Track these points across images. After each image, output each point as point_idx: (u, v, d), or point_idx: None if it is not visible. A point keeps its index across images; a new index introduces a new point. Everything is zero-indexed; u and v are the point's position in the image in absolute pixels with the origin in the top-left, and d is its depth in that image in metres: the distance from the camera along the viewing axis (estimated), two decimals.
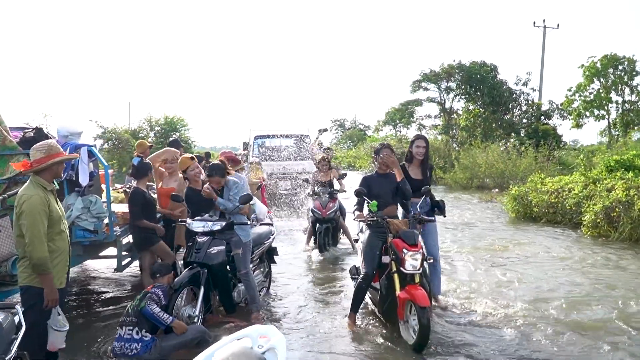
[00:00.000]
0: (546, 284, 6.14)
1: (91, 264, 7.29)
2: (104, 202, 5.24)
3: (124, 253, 5.68)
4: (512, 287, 6.03)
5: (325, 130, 9.81)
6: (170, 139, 18.15)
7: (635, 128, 25.48)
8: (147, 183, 5.62)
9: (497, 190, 17.95)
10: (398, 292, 4.32)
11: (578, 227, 9.83)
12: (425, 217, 4.87)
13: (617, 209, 8.88)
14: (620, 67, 26.70)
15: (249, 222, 5.10)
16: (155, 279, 4.38)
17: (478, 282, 6.25)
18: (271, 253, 6.00)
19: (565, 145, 26.55)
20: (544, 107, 28.56)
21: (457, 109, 30.72)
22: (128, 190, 6.33)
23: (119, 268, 5.59)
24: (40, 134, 5.01)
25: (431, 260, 4.92)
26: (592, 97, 27.80)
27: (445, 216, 5.40)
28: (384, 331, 4.62)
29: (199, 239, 4.75)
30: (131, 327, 3.90)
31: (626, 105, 27.07)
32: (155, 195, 5.89)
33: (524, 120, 28.31)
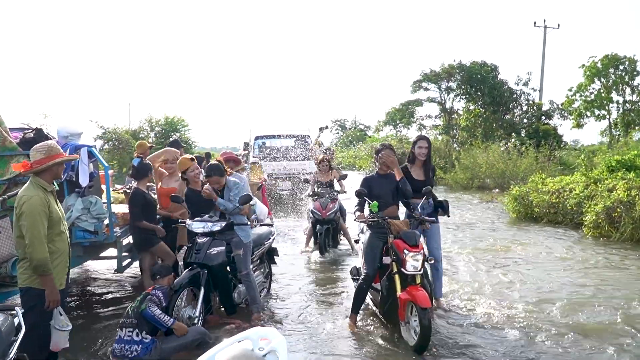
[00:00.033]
0: (548, 285, 6.12)
1: (91, 265, 7.28)
2: (104, 202, 5.23)
3: (124, 254, 5.67)
4: (514, 288, 6.01)
5: (326, 127, 9.77)
6: (171, 139, 18.13)
7: (636, 128, 25.47)
8: (148, 184, 5.61)
9: (497, 190, 17.94)
10: (399, 293, 4.31)
11: (579, 228, 9.81)
12: (427, 218, 4.85)
13: (618, 209, 8.86)
14: (621, 67, 26.71)
15: (248, 223, 5.08)
16: (155, 280, 4.36)
17: (480, 283, 6.23)
18: (271, 254, 5.98)
19: (565, 146, 26.55)
20: (545, 107, 28.58)
21: (458, 109, 30.77)
22: (128, 191, 6.32)
23: (119, 269, 5.58)
24: (40, 135, 5.00)
25: (432, 261, 4.91)
26: (592, 97, 27.80)
27: (449, 216, 5.40)
28: (385, 332, 4.60)
29: (198, 240, 4.74)
30: (131, 329, 3.88)
31: (627, 105, 27.08)
32: (155, 196, 5.88)
33: (525, 120, 28.32)
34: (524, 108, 28.60)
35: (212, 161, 5.45)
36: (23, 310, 3.02)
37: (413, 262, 4.30)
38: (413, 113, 35.18)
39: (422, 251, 4.38)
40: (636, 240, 8.51)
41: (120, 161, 20.89)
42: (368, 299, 5.05)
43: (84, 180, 5.04)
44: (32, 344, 3.14)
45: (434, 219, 5.01)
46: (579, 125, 28.53)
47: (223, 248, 4.74)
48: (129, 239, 5.75)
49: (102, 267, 7.21)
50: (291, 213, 12.36)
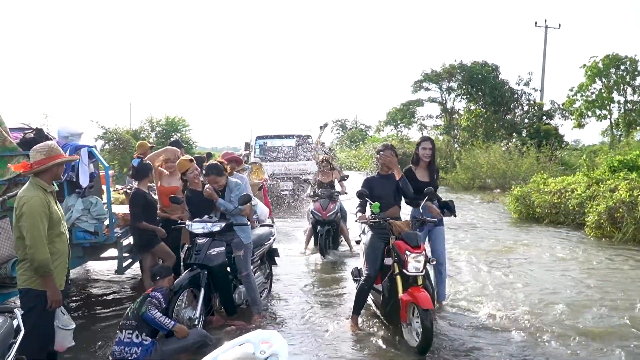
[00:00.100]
0: (551, 286, 6.08)
1: (92, 265, 7.26)
2: (104, 203, 5.21)
3: (124, 254, 5.65)
4: (516, 289, 5.98)
5: (326, 125, 9.65)
6: (172, 139, 18.09)
7: (638, 128, 25.43)
8: (148, 184, 5.59)
9: (498, 190, 17.91)
10: (401, 294, 4.28)
11: (581, 228, 9.78)
12: (428, 219, 4.82)
13: (620, 210, 8.83)
14: (622, 67, 26.67)
15: (249, 223, 5.05)
16: (155, 281, 4.34)
17: (482, 283, 6.20)
18: (272, 254, 5.96)
19: (567, 146, 26.51)
20: (546, 107, 28.53)
21: (459, 109, 30.73)
22: (129, 191, 6.30)
23: (120, 270, 5.57)
24: (40, 135, 4.98)
25: (434, 262, 4.89)
26: (594, 97, 27.76)
27: (455, 215, 5.37)
28: (387, 334, 4.58)
29: (198, 241, 4.71)
30: (131, 331, 3.86)
31: (628, 105, 27.03)
32: (156, 196, 5.86)
33: (526, 121, 28.28)
34: (525, 108, 28.56)
35: (212, 161, 5.43)
36: (22, 312, 3.01)
37: (415, 263, 4.27)
38: (414, 113, 35.14)
39: (423, 252, 4.35)
40: (638, 241, 8.48)
41: (121, 161, 20.86)
42: (369, 300, 5.02)
43: (84, 181, 5.02)
44: (31, 345, 3.13)
45: (435, 219, 4.99)
46: (580, 125, 28.49)
47: (223, 249, 4.72)
48: (129, 240, 5.73)
49: (102, 267, 7.19)
50: (292, 213, 12.33)
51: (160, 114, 26.87)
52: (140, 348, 3.80)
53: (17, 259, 3.46)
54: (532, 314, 5.07)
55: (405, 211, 5.20)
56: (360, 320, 4.78)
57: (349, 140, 49.57)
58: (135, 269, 6.67)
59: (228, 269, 4.89)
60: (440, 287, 5.26)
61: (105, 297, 6.06)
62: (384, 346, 4.34)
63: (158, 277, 4.31)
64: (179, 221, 5.23)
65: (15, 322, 2.80)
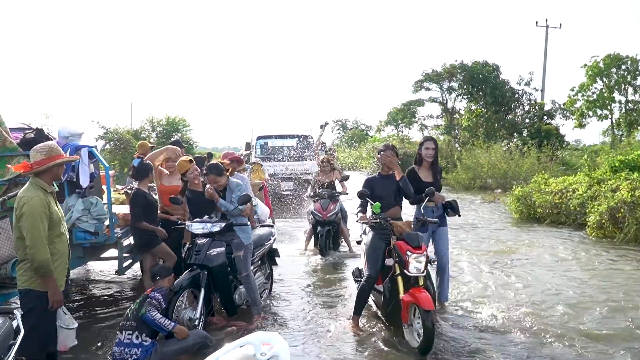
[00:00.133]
0: (553, 287, 6.05)
1: (92, 266, 7.25)
2: (104, 203, 5.19)
3: (125, 255, 5.64)
4: (518, 289, 5.95)
5: (327, 124, 9.56)
6: (172, 139, 18.06)
7: (639, 128, 25.38)
8: (149, 184, 5.57)
9: (499, 190, 17.89)
10: (402, 295, 4.27)
11: (582, 228, 9.76)
12: (430, 220, 4.81)
13: (622, 210, 8.80)
14: (623, 67, 26.64)
15: (249, 223, 5.03)
16: (155, 281, 4.32)
17: (483, 284, 6.18)
18: (272, 255, 5.94)
19: (567, 145, 26.48)
20: (547, 107, 28.50)
21: (459, 109, 30.69)
22: (129, 191, 6.28)
23: (120, 270, 5.55)
24: (40, 135, 4.97)
25: (435, 263, 4.87)
26: (595, 96, 27.73)
27: (460, 215, 5.36)
28: (388, 334, 4.56)
29: (198, 241, 4.70)
30: (131, 332, 3.84)
31: (629, 104, 26.99)
32: (156, 196, 5.84)
33: (527, 120, 28.25)
34: (526, 108, 28.54)
35: (213, 161, 5.42)
36: (22, 313, 3.00)
37: (416, 264, 4.26)
38: (415, 113, 35.10)
39: (425, 253, 4.34)
40: None
41: (122, 161, 20.88)
42: (370, 300, 5.01)
43: (84, 181, 5.01)
44: (31, 345, 3.12)
45: (437, 220, 4.97)
46: (581, 125, 28.46)
47: (223, 249, 4.70)
48: (129, 240, 5.72)
49: (102, 267, 7.18)
50: (293, 214, 12.31)
51: (161, 114, 26.95)
52: (140, 349, 3.78)
53: (17, 260, 3.45)
54: (534, 315, 5.05)
55: (406, 211, 5.18)
56: (361, 321, 4.77)
57: (350, 140, 49.54)
58: (136, 269, 6.66)
59: (228, 269, 4.88)
60: (443, 288, 5.25)
61: (105, 297, 6.05)
62: (385, 347, 4.32)
63: (158, 277, 4.30)
64: (179, 222, 5.22)
65: (14, 323, 2.79)
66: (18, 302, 3.64)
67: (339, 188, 8.23)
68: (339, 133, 55.70)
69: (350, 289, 5.86)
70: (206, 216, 4.87)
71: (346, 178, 8.45)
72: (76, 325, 3.45)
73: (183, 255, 5.17)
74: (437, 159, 5.26)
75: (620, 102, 27.39)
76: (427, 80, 29.97)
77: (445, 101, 31.00)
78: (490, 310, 5.19)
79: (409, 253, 4.27)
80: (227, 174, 5.12)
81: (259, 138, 15.38)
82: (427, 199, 4.91)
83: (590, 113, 28.11)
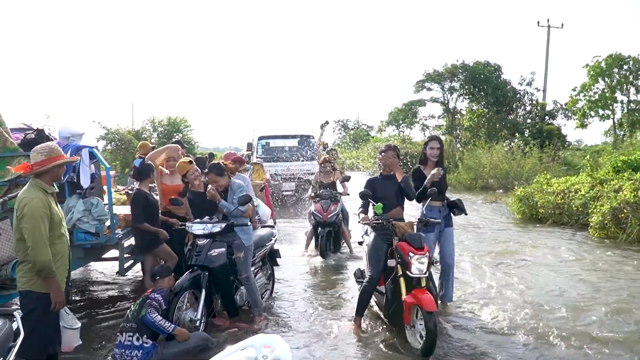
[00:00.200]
0: (557, 288, 6.02)
1: (93, 266, 7.24)
2: (105, 204, 5.18)
3: (126, 255, 5.62)
4: (521, 290, 5.92)
5: (327, 123, 9.46)
6: (173, 139, 18.05)
7: None
8: (150, 184, 5.55)
9: (501, 190, 17.85)
10: (404, 296, 4.24)
11: (585, 229, 9.71)
12: (432, 220, 4.78)
13: (625, 210, 8.77)
14: (625, 67, 26.54)
15: (249, 224, 5.00)
16: (155, 282, 4.29)
17: (486, 285, 6.16)
18: (273, 255, 5.92)
19: (569, 146, 26.41)
20: (548, 107, 28.42)
21: (461, 109, 30.60)
22: (130, 192, 6.27)
23: (121, 271, 5.54)
24: (41, 136, 4.96)
25: (437, 264, 4.84)
26: (596, 96, 27.65)
27: (466, 214, 5.35)
28: (390, 336, 4.53)
29: (199, 242, 4.68)
30: (131, 334, 3.83)
31: (631, 105, 26.91)
32: (157, 197, 5.82)
33: (528, 121, 28.17)
34: (528, 108, 28.46)
35: (214, 162, 5.40)
36: (22, 314, 2.98)
37: (418, 265, 4.23)
38: (416, 113, 35.02)
39: (427, 254, 4.31)
40: None
41: (123, 162, 20.89)
42: (372, 301, 4.99)
43: (85, 182, 5.00)
44: (31, 346, 3.12)
45: (439, 220, 4.95)
46: (582, 126, 28.38)
47: (224, 249, 4.68)
48: (131, 241, 5.70)
49: (103, 268, 7.16)
50: (295, 214, 12.28)
51: (162, 114, 26.94)
52: (141, 351, 3.76)
53: (18, 261, 3.44)
54: (538, 316, 5.01)
55: (408, 212, 5.15)
56: (363, 322, 4.74)
57: (351, 140, 49.52)
58: (137, 270, 6.64)
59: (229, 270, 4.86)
60: (448, 289, 5.22)
61: (106, 298, 6.03)
62: (387, 349, 4.29)
63: (158, 277, 4.27)
64: (179, 223, 5.20)
65: (14, 325, 2.78)
66: (18, 303, 3.63)
67: (340, 189, 8.18)
68: (340, 133, 55.75)
69: (352, 290, 5.83)
70: (207, 217, 4.85)
71: (347, 178, 8.40)
72: (79, 325, 3.46)
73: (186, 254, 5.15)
74: (442, 158, 5.24)
75: (622, 102, 27.31)
76: (429, 80, 29.90)
77: (446, 101, 30.93)
78: (494, 311, 5.16)
79: (411, 254, 4.25)
80: (229, 174, 5.10)
81: (260, 138, 15.36)
82: (428, 200, 4.90)
83: (592, 113, 28.02)
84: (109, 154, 21.23)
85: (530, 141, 22.17)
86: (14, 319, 2.82)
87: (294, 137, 15.49)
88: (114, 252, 5.84)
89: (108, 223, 5.09)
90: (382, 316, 4.89)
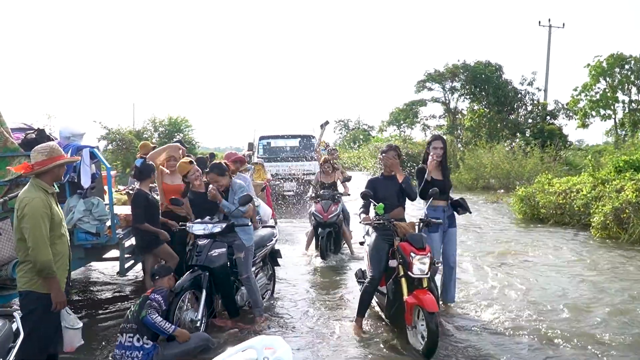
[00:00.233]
0: (559, 289, 5.99)
1: (94, 266, 7.23)
2: (106, 204, 5.17)
3: (126, 255, 5.61)
4: (523, 291, 5.90)
5: (327, 123, 9.40)
6: (174, 139, 18.04)
7: None
8: (150, 184, 5.54)
9: (502, 191, 17.82)
10: (406, 296, 4.22)
11: (587, 229, 9.69)
12: (434, 220, 4.77)
13: (627, 211, 8.74)
14: (626, 67, 26.52)
15: (250, 224, 4.99)
16: (154, 281, 4.28)
17: (488, 285, 6.14)
18: (274, 256, 5.90)
19: (570, 146, 26.36)
20: (550, 107, 28.38)
21: (462, 109, 30.58)
22: (131, 192, 6.26)
23: (122, 271, 5.53)
24: (41, 136, 4.95)
25: (439, 265, 4.83)
26: (598, 96, 27.61)
27: (470, 212, 5.34)
28: (391, 337, 4.52)
29: (199, 242, 4.67)
30: (132, 335, 3.81)
31: (633, 104, 26.87)
32: (158, 197, 5.81)
33: (530, 120, 28.13)
34: (529, 108, 28.43)
35: (216, 162, 5.39)
36: (22, 315, 2.97)
37: (420, 265, 4.21)
38: (417, 113, 35.01)
39: (429, 254, 4.30)
40: None
41: (124, 162, 20.88)
42: (374, 302, 4.97)
43: (85, 182, 4.99)
44: (31, 347, 3.11)
45: (440, 220, 4.93)
46: (584, 125, 28.35)
47: (224, 250, 4.67)
48: (131, 241, 5.69)
49: (104, 268, 7.15)
50: (296, 214, 12.27)
51: (163, 114, 26.93)
52: (141, 352, 3.75)
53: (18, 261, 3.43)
54: (541, 316, 4.99)
55: (410, 212, 5.13)
56: (364, 322, 4.73)
57: (352, 140, 49.51)
58: (138, 270, 6.63)
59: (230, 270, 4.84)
60: (450, 290, 5.20)
61: (107, 298, 6.03)
62: (389, 350, 4.28)
63: (157, 277, 4.25)
64: (178, 227, 5.18)
65: (14, 326, 2.77)
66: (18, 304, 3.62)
67: (341, 189, 8.14)
68: (341, 133, 55.72)
69: (353, 290, 5.82)
70: (207, 217, 4.84)
71: (348, 179, 8.36)
72: (81, 325, 3.46)
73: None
74: (446, 157, 5.22)
75: (623, 102, 27.28)
76: (430, 80, 29.88)
77: (447, 101, 30.90)
78: (496, 312, 5.14)
79: (412, 254, 4.23)
80: (230, 174, 5.08)
81: (261, 138, 15.35)
82: (430, 200, 4.88)
83: (594, 113, 28.00)
84: (110, 154, 21.22)
85: (532, 141, 22.13)
86: (14, 319, 2.81)
87: (295, 137, 15.48)
88: (114, 252, 5.83)
89: (109, 223, 5.08)
90: (383, 317, 4.87)
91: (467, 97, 29.29)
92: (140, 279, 6.46)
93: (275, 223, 7.47)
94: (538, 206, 11.30)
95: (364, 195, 4.75)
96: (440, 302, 4.92)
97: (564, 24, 29.75)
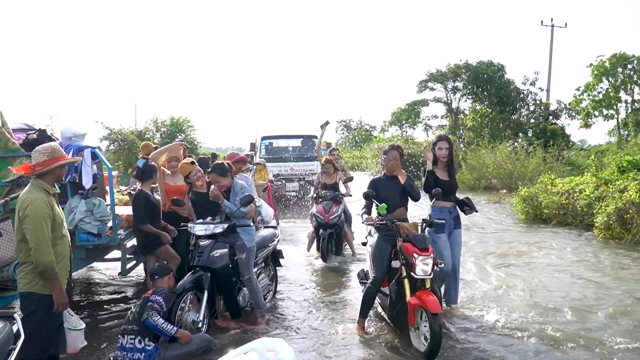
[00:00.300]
0: (563, 290, 5.95)
1: (95, 266, 7.22)
2: (107, 204, 5.15)
3: (128, 256, 5.60)
4: (527, 292, 5.86)
5: (328, 123, 9.37)
6: (176, 140, 18.01)
7: None
8: (152, 185, 5.53)
9: (505, 191, 17.77)
10: (408, 297, 4.20)
11: (590, 229, 9.64)
12: (437, 221, 4.74)
13: (630, 211, 8.70)
14: (629, 66, 26.45)
15: (252, 224, 4.97)
16: (154, 281, 4.26)
17: (491, 286, 6.10)
18: (276, 256, 5.88)
19: (573, 146, 26.28)
20: (552, 107, 28.33)
21: (464, 109, 30.54)
22: (133, 192, 6.25)
23: (124, 272, 5.51)
24: (43, 136, 4.94)
25: (442, 265, 4.80)
26: (600, 96, 27.53)
27: (477, 211, 5.31)
28: (394, 338, 4.49)
29: (201, 243, 4.65)
30: (133, 336, 3.79)
31: (636, 104, 26.78)
32: (159, 197, 5.80)
33: (532, 120, 28.07)
34: (531, 108, 28.36)
35: (218, 162, 5.37)
36: (22, 316, 2.96)
37: (423, 266, 4.19)
38: (419, 113, 34.98)
39: (432, 255, 4.27)
40: None
41: (126, 162, 20.89)
42: (376, 303, 4.94)
43: (87, 182, 4.97)
44: (32, 348, 3.09)
45: (443, 221, 4.90)
46: (586, 125, 28.28)
47: (226, 250, 4.65)
48: (133, 241, 5.68)
49: (105, 268, 7.14)
50: (298, 215, 12.25)
51: (165, 115, 26.94)
52: (143, 354, 3.73)
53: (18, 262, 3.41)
54: (545, 317, 4.96)
55: (412, 212, 5.11)
56: (367, 323, 4.70)
57: (354, 140, 49.47)
58: (140, 270, 6.62)
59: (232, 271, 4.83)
60: (453, 291, 5.18)
61: (108, 299, 6.01)
62: (391, 351, 4.25)
63: (156, 277, 4.22)
64: (182, 223, 5.17)
65: (15, 328, 2.75)
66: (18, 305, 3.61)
67: (342, 189, 8.10)
68: (343, 133, 55.69)
69: (356, 291, 5.79)
70: (209, 217, 4.82)
71: (350, 179, 8.30)
72: (84, 326, 3.44)
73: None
74: (452, 157, 5.19)
75: (626, 101, 27.21)
76: (432, 80, 29.84)
77: (449, 101, 30.85)
78: (499, 313, 5.11)
79: (415, 255, 4.21)
80: (232, 174, 5.07)
81: (263, 138, 15.33)
82: (433, 200, 4.86)
83: (596, 113, 27.93)
84: (111, 154, 21.24)
85: (534, 141, 22.07)
86: (14, 321, 2.79)
87: (297, 137, 15.46)
88: (116, 253, 5.82)
89: (110, 224, 5.06)
90: (386, 318, 4.84)
91: (469, 97, 29.25)
92: (142, 279, 6.44)
93: (277, 223, 7.45)
94: (541, 206, 11.26)
95: (366, 196, 4.73)
96: (443, 304, 4.89)
97: (566, 24, 29.63)
